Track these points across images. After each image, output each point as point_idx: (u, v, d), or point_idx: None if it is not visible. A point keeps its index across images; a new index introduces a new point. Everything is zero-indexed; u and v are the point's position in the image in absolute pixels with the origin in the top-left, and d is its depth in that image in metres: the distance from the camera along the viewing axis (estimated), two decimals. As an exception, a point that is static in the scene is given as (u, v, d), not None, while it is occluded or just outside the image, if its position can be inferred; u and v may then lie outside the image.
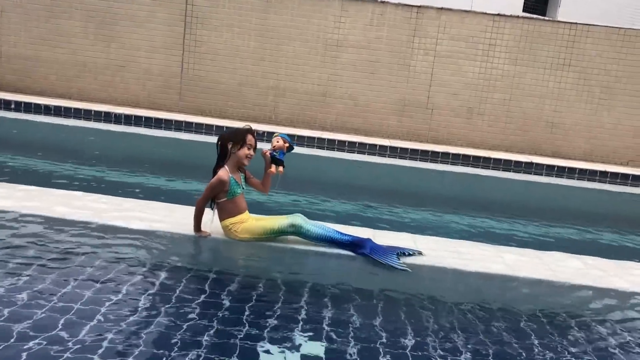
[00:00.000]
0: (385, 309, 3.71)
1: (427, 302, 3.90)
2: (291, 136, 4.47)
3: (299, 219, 4.49)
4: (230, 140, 4.48)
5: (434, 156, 10.83)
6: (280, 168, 4.60)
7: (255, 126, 8.94)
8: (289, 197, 6.68)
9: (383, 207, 6.89)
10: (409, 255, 4.51)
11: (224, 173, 4.41)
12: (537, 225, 7.06)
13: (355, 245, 4.48)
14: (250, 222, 4.52)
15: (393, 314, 3.64)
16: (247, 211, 4.58)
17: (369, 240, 4.58)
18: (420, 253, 4.57)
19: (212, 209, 4.53)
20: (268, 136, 9.88)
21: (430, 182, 9.63)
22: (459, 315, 3.74)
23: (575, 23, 12.03)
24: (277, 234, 4.50)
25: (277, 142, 4.59)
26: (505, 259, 4.79)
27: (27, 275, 3.56)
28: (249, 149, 4.48)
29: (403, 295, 3.95)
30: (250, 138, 4.49)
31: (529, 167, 10.93)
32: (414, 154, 10.85)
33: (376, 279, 4.21)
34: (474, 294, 4.17)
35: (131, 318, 3.20)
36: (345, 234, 4.56)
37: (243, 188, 4.57)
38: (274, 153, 4.59)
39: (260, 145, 4.70)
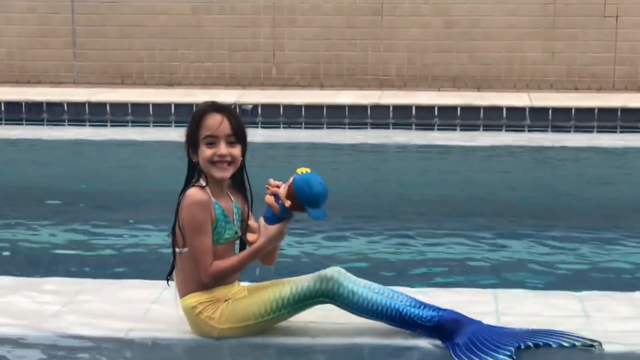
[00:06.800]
0: None
1: None
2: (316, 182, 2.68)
3: (334, 272, 3.32)
4: (186, 140, 3.27)
5: (627, 118, 7.84)
6: (274, 227, 3.15)
7: (239, 93, 8.09)
8: (312, 240, 4.66)
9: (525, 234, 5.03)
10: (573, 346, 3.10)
11: (195, 192, 3.14)
12: None
13: (444, 329, 3.23)
14: (238, 300, 3.32)
15: None
16: (237, 281, 3.40)
17: (473, 322, 3.30)
18: (596, 344, 3.11)
19: (168, 280, 3.28)
20: (263, 112, 7.84)
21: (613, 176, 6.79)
22: None
23: None
24: (293, 308, 3.24)
25: (278, 188, 3.22)
26: None
27: None
28: (209, 144, 3.10)
29: None
30: (209, 121, 3.14)
31: None
32: (583, 118, 7.84)
33: None
34: None
35: None
36: (428, 306, 3.31)
37: (237, 232, 3.34)
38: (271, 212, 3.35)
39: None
